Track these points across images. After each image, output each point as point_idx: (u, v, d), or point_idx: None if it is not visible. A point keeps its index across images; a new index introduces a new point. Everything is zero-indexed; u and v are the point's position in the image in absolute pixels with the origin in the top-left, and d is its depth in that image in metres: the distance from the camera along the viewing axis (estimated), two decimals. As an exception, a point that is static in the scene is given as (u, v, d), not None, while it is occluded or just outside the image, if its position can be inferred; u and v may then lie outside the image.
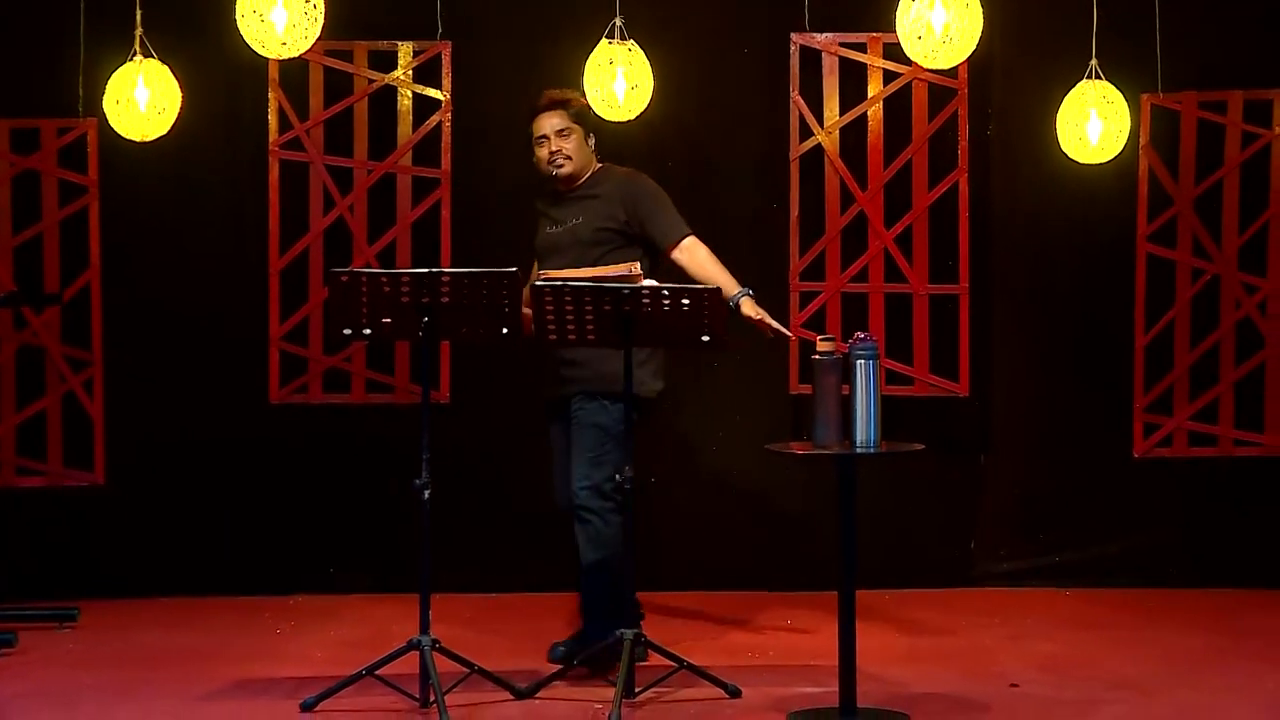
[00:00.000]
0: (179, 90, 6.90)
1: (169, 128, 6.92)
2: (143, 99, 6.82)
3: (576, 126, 6.45)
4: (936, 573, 7.88)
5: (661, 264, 6.45)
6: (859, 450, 5.54)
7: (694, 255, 6.39)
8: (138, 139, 6.89)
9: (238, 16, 6.09)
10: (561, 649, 6.39)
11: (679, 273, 6.39)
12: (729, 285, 6.26)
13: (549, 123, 6.44)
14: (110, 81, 6.85)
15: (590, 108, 6.66)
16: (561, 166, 6.42)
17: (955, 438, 7.81)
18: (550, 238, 6.46)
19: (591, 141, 6.51)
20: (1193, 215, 7.79)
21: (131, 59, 6.83)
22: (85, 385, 7.67)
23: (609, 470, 6.19)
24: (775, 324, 6.20)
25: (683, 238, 6.39)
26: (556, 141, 6.42)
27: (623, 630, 5.81)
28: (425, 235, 7.72)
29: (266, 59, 6.71)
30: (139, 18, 6.76)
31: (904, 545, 7.85)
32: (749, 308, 6.23)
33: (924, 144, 7.76)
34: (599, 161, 6.55)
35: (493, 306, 5.73)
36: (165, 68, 6.86)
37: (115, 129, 6.92)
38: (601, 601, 6.28)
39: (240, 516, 7.77)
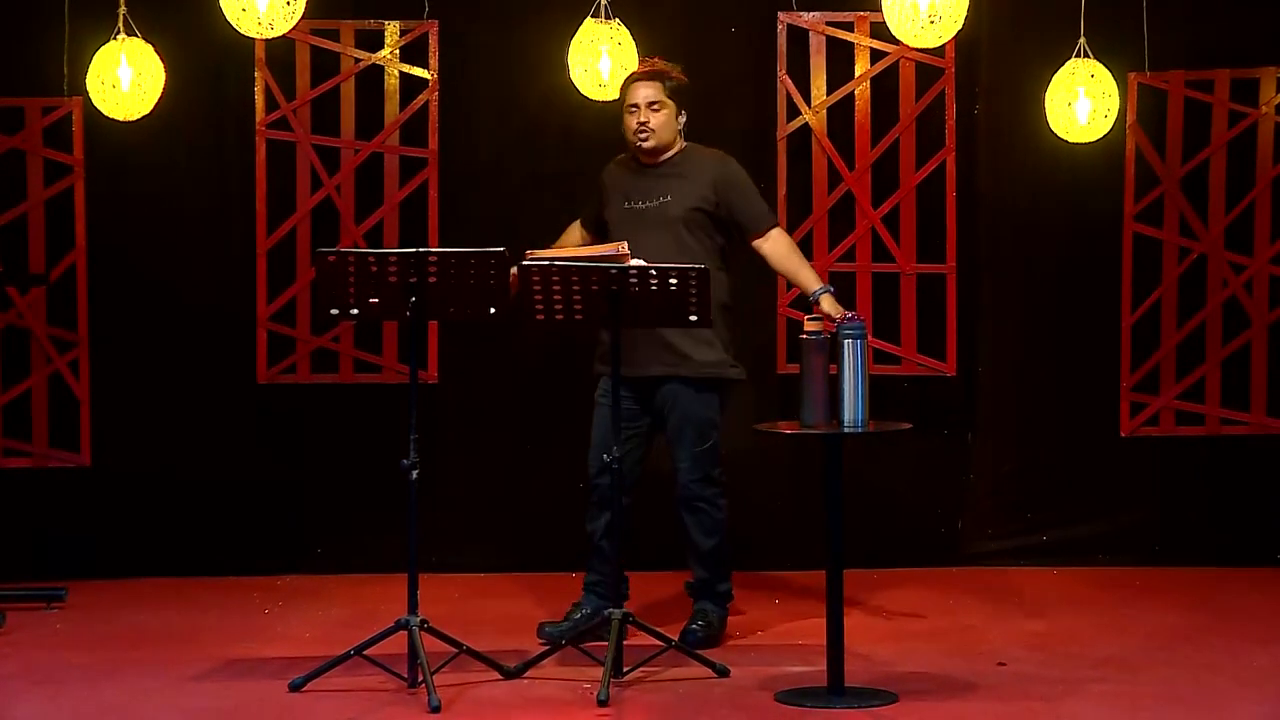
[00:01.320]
0: (162, 69, 6.88)
1: (152, 107, 6.90)
2: (126, 78, 6.80)
3: (670, 102, 6.37)
4: (924, 552, 7.89)
5: (740, 251, 6.44)
6: (847, 430, 5.55)
7: (777, 246, 6.39)
8: (120, 118, 6.87)
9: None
10: (551, 628, 6.38)
11: (760, 260, 6.41)
12: (810, 280, 6.30)
13: (643, 92, 6.36)
14: (93, 60, 6.83)
15: (687, 85, 6.46)
16: (646, 139, 6.35)
17: (943, 417, 7.81)
18: (633, 214, 6.36)
19: (682, 119, 6.41)
20: (1179, 194, 7.80)
21: (115, 38, 6.80)
22: (71, 366, 7.66)
23: (715, 458, 6.35)
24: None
25: (771, 227, 6.39)
26: (646, 113, 6.34)
27: (610, 610, 5.82)
28: (412, 215, 7.71)
29: (252, 39, 6.69)
30: (122, -4, 6.74)
31: (891, 525, 7.86)
32: (828, 304, 6.21)
33: (911, 123, 7.75)
34: (684, 141, 6.48)
35: (480, 286, 5.72)
36: (149, 47, 6.83)
37: (98, 108, 6.90)
38: (715, 582, 6.43)
39: (228, 497, 7.75)
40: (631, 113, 6.38)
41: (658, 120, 6.35)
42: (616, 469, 5.88)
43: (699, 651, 5.98)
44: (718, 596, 6.46)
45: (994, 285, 7.91)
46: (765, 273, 7.69)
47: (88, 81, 6.83)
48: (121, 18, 6.79)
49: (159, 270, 7.74)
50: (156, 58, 6.84)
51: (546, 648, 6.10)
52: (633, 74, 6.47)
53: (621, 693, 5.66)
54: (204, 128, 7.72)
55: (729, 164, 6.46)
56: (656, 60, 6.46)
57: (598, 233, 6.54)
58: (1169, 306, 7.82)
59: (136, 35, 6.80)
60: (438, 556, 7.46)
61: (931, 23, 5.99)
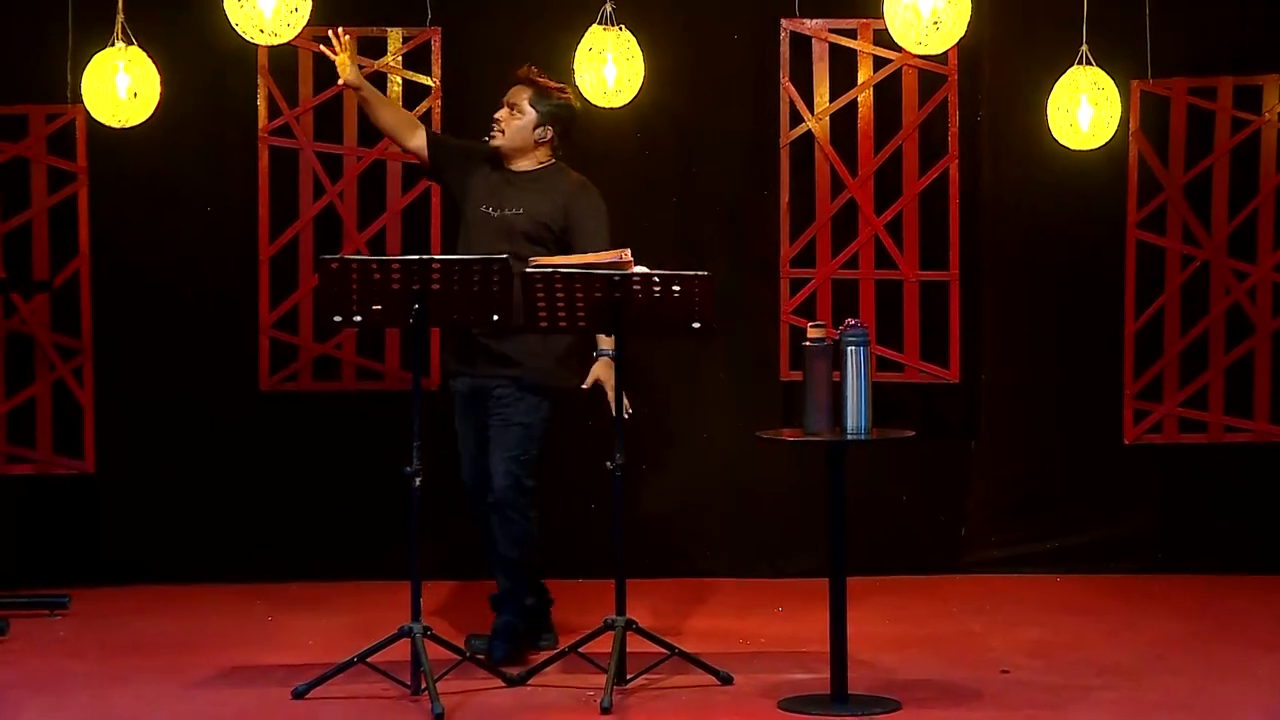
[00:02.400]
0: (158, 77, 6.85)
1: (149, 115, 6.89)
2: (122, 85, 6.77)
3: (532, 111, 6.36)
4: (927, 559, 7.89)
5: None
6: (850, 437, 5.55)
7: None
8: (117, 125, 6.84)
9: (226, 3, 6.08)
10: (478, 641, 6.34)
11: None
12: (602, 340, 6.20)
13: (510, 93, 6.40)
14: (88, 67, 6.80)
15: (567, 108, 6.43)
16: (493, 137, 6.37)
17: (946, 424, 7.82)
18: (484, 218, 6.33)
19: (548, 135, 6.38)
20: (1182, 202, 7.80)
21: (112, 45, 6.80)
22: (75, 372, 7.66)
23: (531, 468, 6.27)
24: (611, 400, 6.09)
25: None
26: (503, 112, 6.38)
27: (613, 618, 5.82)
28: (415, 222, 7.72)
29: (255, 45, 6.69)
30: (121, 3, 6.73)
31: (894, 532, 7.86)
32: (601, 369, 6.20)
33: (914, 130, 7.76)
34: (554, 159, 6.44)
35: (483, 293, 5.72)
36: (144, 54, 6.81)
37: (93, 115, 6.88)
38: (520, 595, 6.34)
39: (230, 504, 7.75)
40: (500, 109, 6.41)
41: (510, 124, 6.36)
42: (619, 475, 5.89)
43: (703, 659, 5.97)
44: (523, 610, 6.36)
45: (997, 293, 7.91)
46: (769, 280, 7.73)
47: (84, 88, 6.82)
48: (119, 25, 6.79)
49: (162, 277, 7.74)
50: (153, 65, 6.82)
51: (549, 655, 6.08)
52: (514, 74, 6.51)
53: (625, 700, 5.66)
54: (206, 135, 7.73)
55: (588, 192, 6.39)
56: (537, 70, 6.45)
57: (435, 164, 6.51)
58: (1172, 314, 7.82)
59: (133, 43, 6.79)
60: (440, 563, 7.45)
61: (934, 30, 5.97)
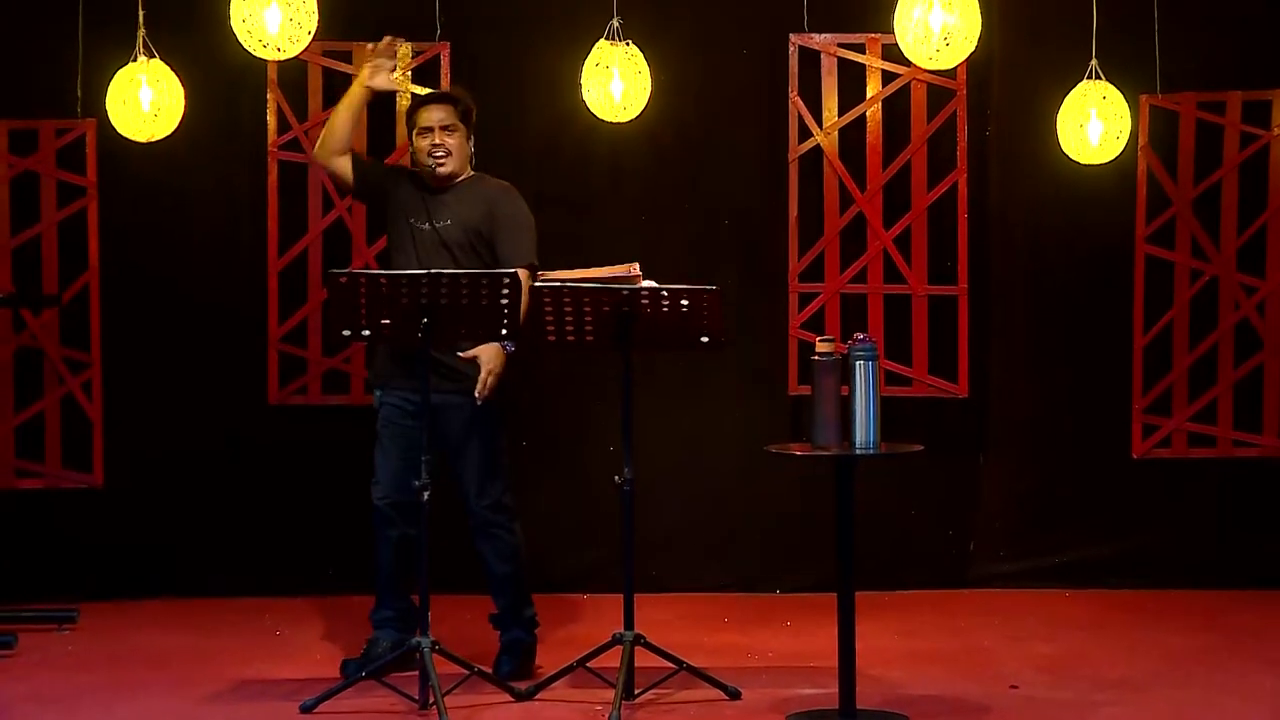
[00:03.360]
0: (182, 91, 6.88)
1: (173, 129, 6.91)
2: (146, 99, 6.80)
3: (461, 125, 6.35)
4: (935, 574, 7.88)
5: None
6: (858, 451, 5.54)
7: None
8: (142, 140, 6.87)
9: (233, 20, 6.10)
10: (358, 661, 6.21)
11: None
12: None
13: (436, 115, 6.31)
14: (113, 82, 6.84)
15: (473, 111, 6.43)
16: (443, 163, 6.27)
17: (954, 439, 7.81)
18: (414, 230, 6.27)
19: (470, 144, 6.40)
20: (1191, 216, 7.79)
21: (135, 60, 6.82)
22: (84, 387, 7.67)
23: (506, 481, 6.26)
24: (485, 388, 6.06)
25: (521, 265, 6.12)
26: (440, 135, 6.29)
27: (622, 632, 5.82)
28: (424, 236, 7.72)
29: (265, 60, 6.71)
30: (141, 18, 6.75)
31: (903, 546, 7.85)
32: (487, 354, 6.06)
33: (923, 145, 7.76)
34: (472, 169, 6.44)
35: (491, 308, 5.72)
36: (168, 68, 6.84)
37: (119, 130, 6.90)
38: (520, 608, 6.33)
39: (240, 518, 7.76)
40: (425, 135, 6.29)
41: (453, 143, 6.30)
42: (628, 490, 5.88)
43: (711, 673, 5.96)
44: (526, 623, 6.35)
45: (1005, 307, 7.91)
46: (777, 294, 7.73)
47: (107, 102, 6.84)
48: (140, 39, 6.81)
49: (171, 291, 7.75)
50: (176, 79, 6.85)
51: (557, 670, 6.07)
52: (423, 96, 6.45)
53: (633, 715, 5.66)
54: (216, 149, 7.74)
55: (510, 197, 6.36)
56: (444, 87, 6.43)
57: (363, 182, 6.38)
58: (1181, 328, 7.81)
59: (156, 57, 6.81)
60: (449, 577, 7.44)
61: (943, 45, 5.97)
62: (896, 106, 7.77)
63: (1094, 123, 7.16)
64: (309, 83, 7.70)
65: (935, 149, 7.77)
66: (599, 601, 6.93)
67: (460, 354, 6.10)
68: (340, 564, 7.77)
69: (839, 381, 5.58)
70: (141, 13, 6.77)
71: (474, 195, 6.33)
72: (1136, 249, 7.79)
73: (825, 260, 7.77)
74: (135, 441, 7.73)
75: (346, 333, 5.85)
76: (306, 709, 5.70)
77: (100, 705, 5.84)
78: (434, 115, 6.31)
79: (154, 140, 6.89)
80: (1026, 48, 7.81)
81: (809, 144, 7.77)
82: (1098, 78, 7.19)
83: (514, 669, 6.16)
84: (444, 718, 5.46)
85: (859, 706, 5.56)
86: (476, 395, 6.05)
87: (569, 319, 5.79)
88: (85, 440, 7.68)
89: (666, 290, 5.76)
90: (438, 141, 6.28)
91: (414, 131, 6.34)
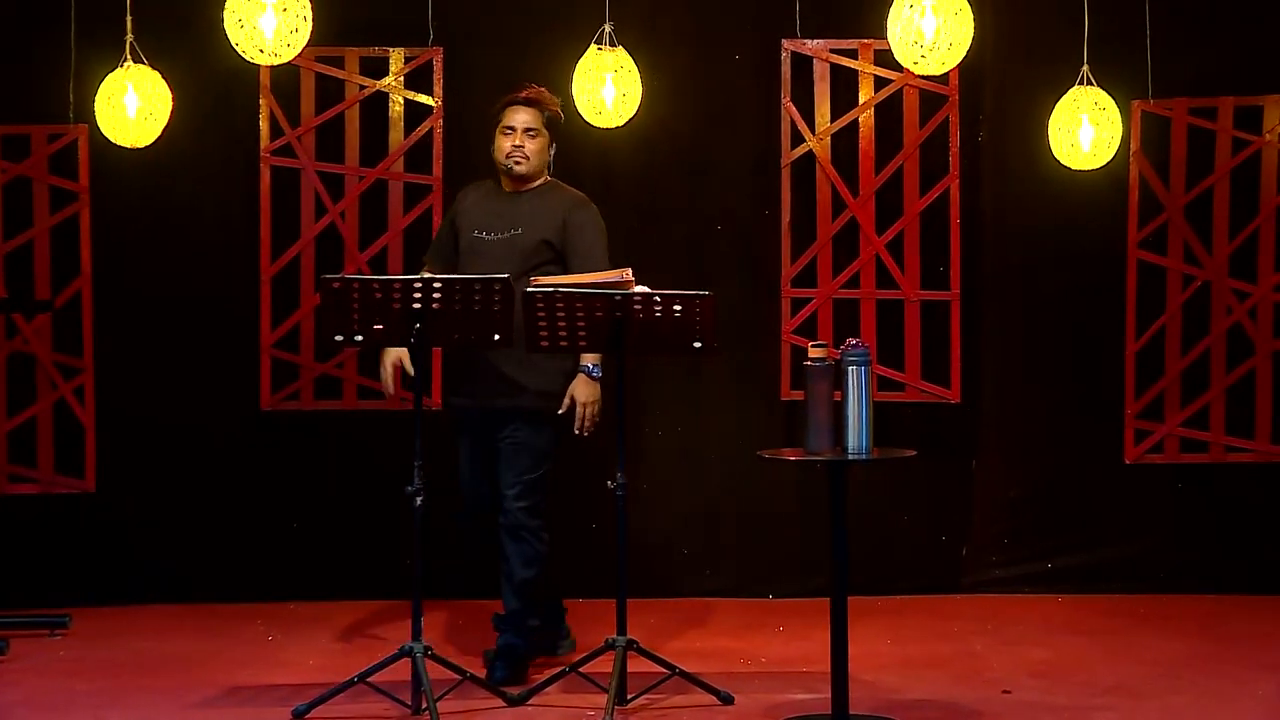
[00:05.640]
0: (169, 96, 6.88)
1: (159, 134, 6.91)
2: (132, 105, 6.80)
3: (545, 132, 6.41)
4: (928, 579, 7.88)
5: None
6: (851, 456, 5.54)
7: None
8: (128, 145, 6.87)
9: (227, 24, 6.09)
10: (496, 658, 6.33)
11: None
12: (587, 357, 6.24)
13: (521, 117, 6.39)
14: (100, 87, 6.83)
15: (561, 119, 6.53)
16: (519, 164, 6.35)
17: (947, 444, 7.81)
18: (481, 243, 6.35)
19: (552, 152, 6.46)
20: (1183, 222, 7.80)
21: (122, 65, 6.81)
22: (76, 392, 7.66)
23: (544, 490, 6.30)
24: (586, 422, 6.25)
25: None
26: (522, 138, 6.37)
27: (614, 638, 5.82)
28: (417, 241, 7.71)
29: (257, 65, 6.71)
30: (129, 24, 6.75)
31: (896, 551, 7.86)
32: (580, 388, 6.25)
33: (915, 150, 7.77)
34: (550, 175, 6.49)
35: (484, 313, 5.73)
36: (156, 74, 6.84)
37: (106, 135, 6.91)
38: (526, 616, 6.33)
39: (232, 523, 7.75)
40: (507, 135, 6.38)
41: (533, 147, 6.37)
42: (621, 495, 5.89)
43: (704, 679, 5.97)
44: (525, 631, 6.35)
45: (998, 312, 7.92)
46: (770, 300, 7.74)
47: (95, 108, 6.84)
48: (129, 45, 6.81)
49: (164, 297, 7.75)
50: (164, 85, 6.85)
51: (550, 675, 6.07)
52: (511, 97, 6.47)
53: (626, 720, 5.66)
54: (209, 154, 7.74)
55: (586, 208, 6.42)
56: (536, 88, 6.46)
57: (446, 265, 6.50)
58: (1173, 334, 7.82)
59: (144, 62, 6.81)
60: (442, 583, 7.45)
61: (935, 51, 5.98)
62: (889, 112, 7.78)
63: (1086, 128, 7.16)
64: (301, 88, 7.70)
65: (927, 154, 7.78)
66: (591, 606, 6.92)
67: (559, 411, 6.26)
68: (332, 569, 7.77)
69: (832, 387, 5.58)
70: (130, 18, 6.74)
71: (547, 204, 6.38)
72: (1129, 254, 7.80)
73: (818, 265, 7.78)
74: (128, 447, 7.72)
75: (339, 338, 5.85)
76: (299, 715, 5.69)
77: (93, 711, 5.83)
78: (519, 117, 6.38)
79: (141, 146, 6.88)
80: (1019, 53, 7.82)
81: (801, 149, 7.78)
82: (1089, 83, 7.19)
83: (507, 675, 6.16)
84: (437, 723, 5.46)
85: (852, 712, 5.56)
86: (576, 431, 6.24)
87: (561, 324, 5.80)
88: (78, 446, 7.67)
89: (659, 295, 5.76)
90: (519, 143, 6.36)
91: (498, 128, 6.42)
